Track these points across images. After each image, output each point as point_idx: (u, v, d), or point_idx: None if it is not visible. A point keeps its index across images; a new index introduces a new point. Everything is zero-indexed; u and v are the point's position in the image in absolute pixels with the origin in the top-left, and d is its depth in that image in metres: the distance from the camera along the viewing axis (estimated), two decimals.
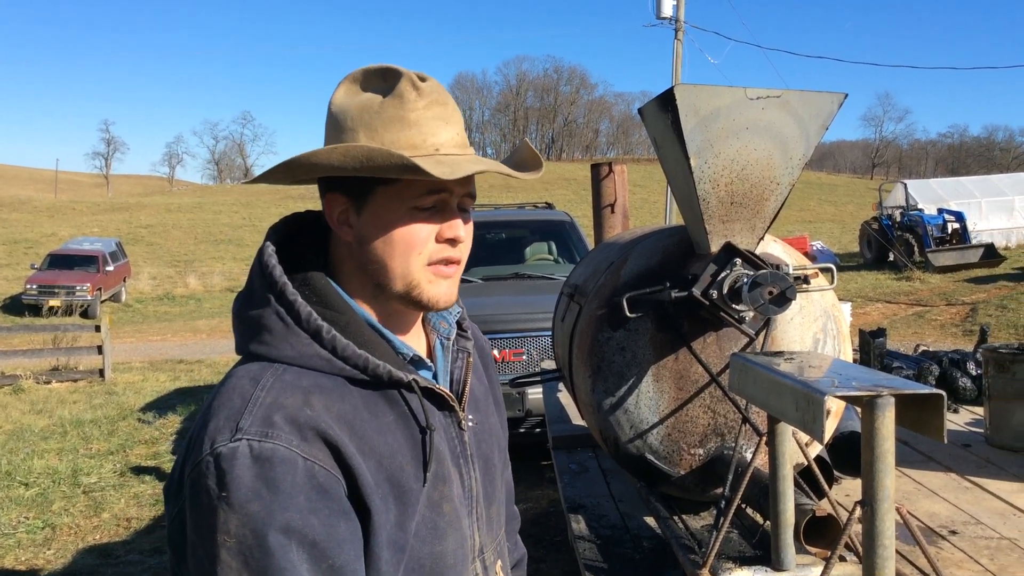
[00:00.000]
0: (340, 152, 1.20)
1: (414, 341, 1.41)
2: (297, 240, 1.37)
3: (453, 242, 1.30)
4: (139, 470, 8.22)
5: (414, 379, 1.28)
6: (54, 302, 24.15)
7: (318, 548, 1.13)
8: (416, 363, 1.37)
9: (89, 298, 24.65)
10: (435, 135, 1.26)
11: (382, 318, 1.34)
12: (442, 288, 1.32)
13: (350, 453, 1.18)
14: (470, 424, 1.43)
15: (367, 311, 1.33)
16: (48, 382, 13.34)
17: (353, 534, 1.18)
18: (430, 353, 1.45)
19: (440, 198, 1.28)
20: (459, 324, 1.51)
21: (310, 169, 1.26)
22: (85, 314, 24.33)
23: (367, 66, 1.31)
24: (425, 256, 1.29)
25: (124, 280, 29.02)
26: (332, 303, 1.29)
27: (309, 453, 1.15)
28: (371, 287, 1.32)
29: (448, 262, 1.31)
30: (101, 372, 13.55)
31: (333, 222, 1.31)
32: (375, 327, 1.32)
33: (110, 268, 26.79)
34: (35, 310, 24.48)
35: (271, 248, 1.30)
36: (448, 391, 1.37)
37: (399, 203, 1.26)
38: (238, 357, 1.32)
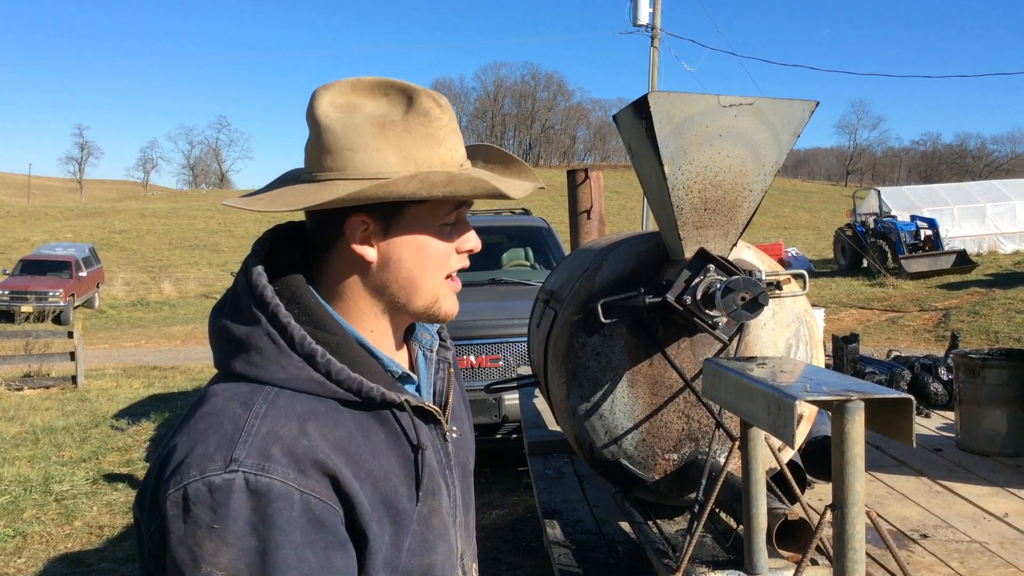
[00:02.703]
0: (419, 181, 1.20)
1: (398, 355, 1.40)
2: (282, 254, 1.34)
3: (469, 253, 1.34)
4: (112, 477, 8.14)
5: (406, 399, 1.28)
6: (26, 308, 23.88)
7: None
8: (402, 379, 1.36)
9: (62, 304, 24.39)
10: (457, 151, 1.29)
11: (373, 336, 1.33)
12: (454, 300, 1.37)
13: (348, 481, 1.17)
14: (453, 436, 1.43)
15: (356, 330, 1.31)
16: (20, 389, 13.18)
17: (348, 565, 1.17)
18: (412, 365, 1.45)
19: (460, 212, 1.30)
20: (438, 334, 1.51)
21: (379, 199, 1.22)
22: (58, 320, 24.08)
23: (358, 79, 1.28)
24: (447, 269, 1.32)
25: (97, 286, 28.74)
26: (323, 323, 1.27)
27: (306, 486, 1.13)
28: (383, 305, 1.31)
29: (455, 274, 1.35)
30: (74, 379, 13.41)
31: (355, 243, 1.27)
32: (365, 346, 1.31)
33: (83, 274, 26.54)
34: (7, 316, 24.17)
35: (260, 267, 1.27)
36: (434, 405, 1.37)
37: (431, 221, 1.27)
38: (212, 363, 1.29)
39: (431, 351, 1.47)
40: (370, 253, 1.27)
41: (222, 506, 1.10)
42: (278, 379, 1.21)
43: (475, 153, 1.42)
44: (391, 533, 1.24)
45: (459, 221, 1.32)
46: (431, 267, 1.30)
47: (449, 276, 1.34)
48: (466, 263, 1.36)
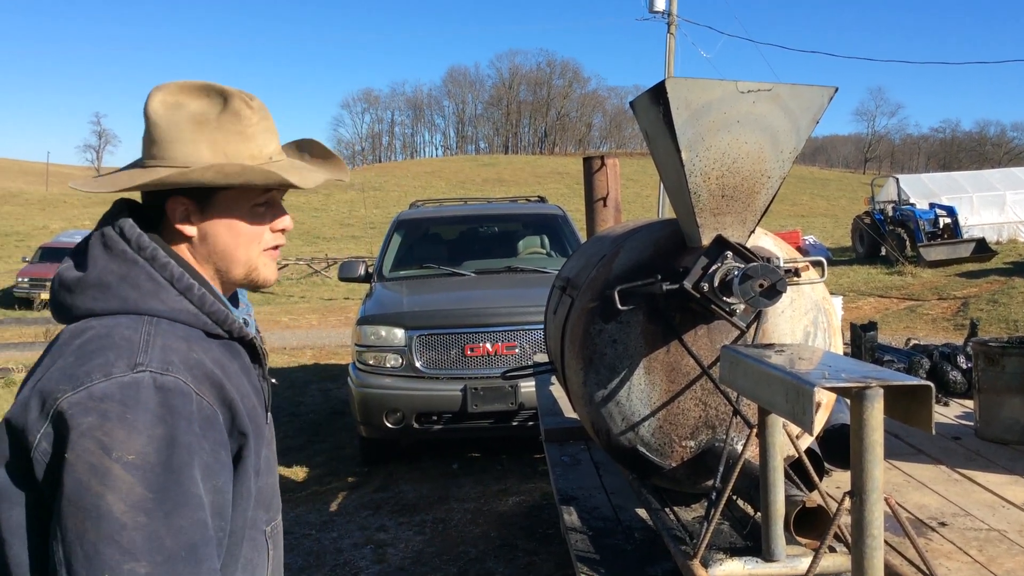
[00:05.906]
0: (214, 171, 1.42)
1: None
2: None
3: (283, 232, 1.59)
4: None
5: (253, 337, 1.55)
6: (45, 295, 24.01)
7: (209, 469, 1.32)
8: None
9: None
10: (267, 146, 1.52)
11: None
12: (272, 269, 1.60)
13: (229, 388, 1.39)
14: (273, 383, 1.70)
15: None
16: None
17: (229, 462, 1.39)
18: None
19: (271, 196, 1.55)
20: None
21: (181, 185, 1.44)
22: None
23: (185, 81, 1.49)
24: (262, 244, 1.56)
25: None
26: (185, 266, 1.48)
27: (199, 390, 1.33)
28: (211, 272, 1.53)
29: (277, 247, 1.59)
30: None
31: (175, 220, 1.49)
32: (215, 294, 1.51)
33: None
34: (26, 303, 24.37)
35: (131, 220, 1.46)
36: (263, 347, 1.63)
37: (243, 203, 1.51)
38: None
39: (249, 316, 1.68)
40: (189, 229, 1.50)
41: (131, 398, 1.25)
42: (155, 310, 1.39)
43: (303, 147, 1.68)
44: (254, 444, 1.45)
45: (272, 204, 1.56)
46: (244, 242, 1.52)
47: (270, 249, 1.57)
48: (282, 240, 1.59)
